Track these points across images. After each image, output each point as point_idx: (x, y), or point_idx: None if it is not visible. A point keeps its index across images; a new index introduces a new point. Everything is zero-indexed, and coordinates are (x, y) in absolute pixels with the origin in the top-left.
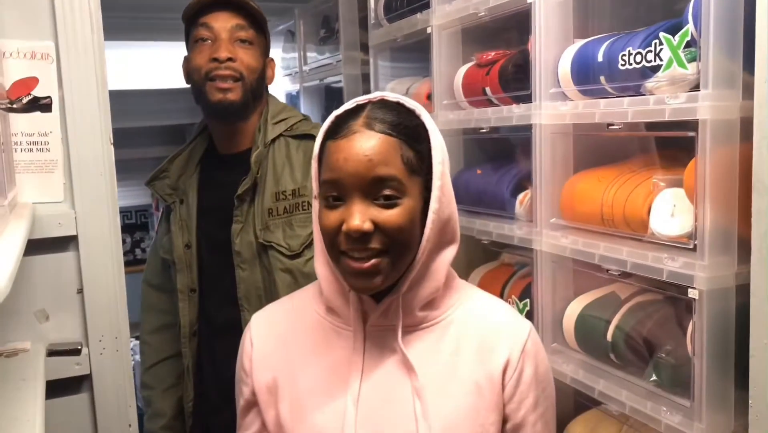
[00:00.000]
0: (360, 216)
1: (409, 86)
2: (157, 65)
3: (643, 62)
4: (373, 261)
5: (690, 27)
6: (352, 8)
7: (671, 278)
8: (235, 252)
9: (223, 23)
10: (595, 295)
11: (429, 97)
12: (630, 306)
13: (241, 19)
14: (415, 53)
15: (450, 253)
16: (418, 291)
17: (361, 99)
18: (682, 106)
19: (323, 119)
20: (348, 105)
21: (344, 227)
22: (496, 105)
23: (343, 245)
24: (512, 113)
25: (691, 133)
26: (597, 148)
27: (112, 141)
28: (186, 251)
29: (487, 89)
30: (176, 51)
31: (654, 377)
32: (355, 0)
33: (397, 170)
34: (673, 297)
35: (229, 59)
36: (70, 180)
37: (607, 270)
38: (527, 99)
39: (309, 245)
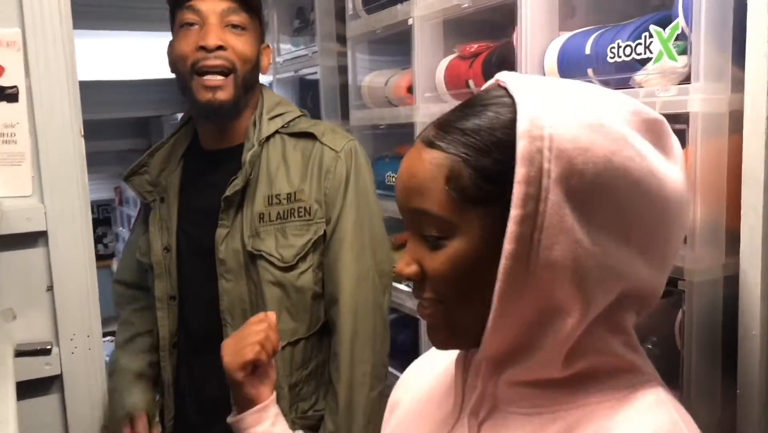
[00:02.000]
0: (407, 257)
1: (389, 78)
2: (123, 56)
3: (633, 55)
4: (429, 311)
5: (680, 20)
6: None
7: None
8: (219, 260)
9: (212, 6)
10: None
11: (409, 89)
12: None
13: (233, 2)
14: (394, 45)
15: (565, 323)
16: (509, 361)
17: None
18: (673, 99)
19: None
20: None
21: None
22: None
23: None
24: None
25: (682, 126)
26: None
27: (82, 133)
28: (165, 254)
29: (471, 82)
30: (146, 41)
31: None
32: None
33: (435, 203)
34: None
35: (219, 47)
36: (39, 173)
37: None
38: None
39: (304, 256)
